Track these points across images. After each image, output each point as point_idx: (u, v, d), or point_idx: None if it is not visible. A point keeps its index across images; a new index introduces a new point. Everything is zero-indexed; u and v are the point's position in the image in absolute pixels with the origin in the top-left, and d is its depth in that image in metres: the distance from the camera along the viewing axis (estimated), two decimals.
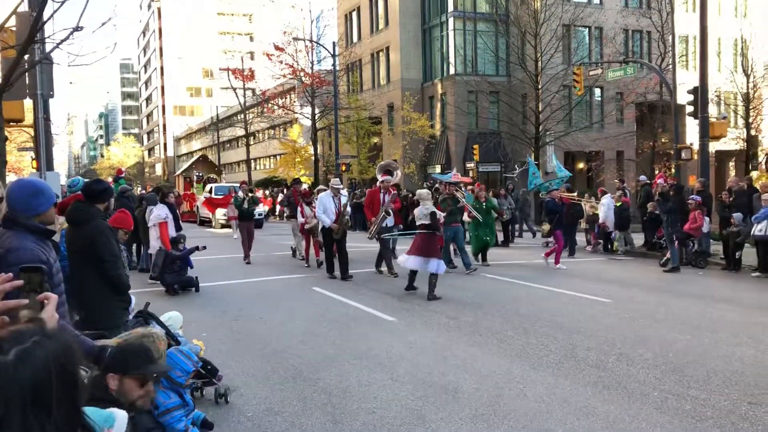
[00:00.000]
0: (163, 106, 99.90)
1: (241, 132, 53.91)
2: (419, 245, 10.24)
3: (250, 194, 15.80)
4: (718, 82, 35.44)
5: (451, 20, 39.07)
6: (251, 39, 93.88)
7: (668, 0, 30.50)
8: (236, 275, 13.01)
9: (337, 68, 37.73)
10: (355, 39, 46.93)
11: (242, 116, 50.25)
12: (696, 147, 19.83)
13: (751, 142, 33.75)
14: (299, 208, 14.35)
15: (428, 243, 10.25)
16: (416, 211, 10.68)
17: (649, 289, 11.65)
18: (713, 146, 26.46)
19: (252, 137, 57.18)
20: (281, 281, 12.38)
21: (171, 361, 4.47)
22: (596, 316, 8.99)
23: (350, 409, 5.35)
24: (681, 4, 35.68)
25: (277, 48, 39.08)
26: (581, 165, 38.44)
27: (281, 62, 39.19)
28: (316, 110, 40.32)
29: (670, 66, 27.63)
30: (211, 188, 30.34)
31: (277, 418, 5.19)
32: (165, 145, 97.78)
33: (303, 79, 39.94)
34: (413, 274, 10.65)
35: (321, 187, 17.32)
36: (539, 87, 32.37)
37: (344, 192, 13.12)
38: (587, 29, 37.67)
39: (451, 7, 39.07)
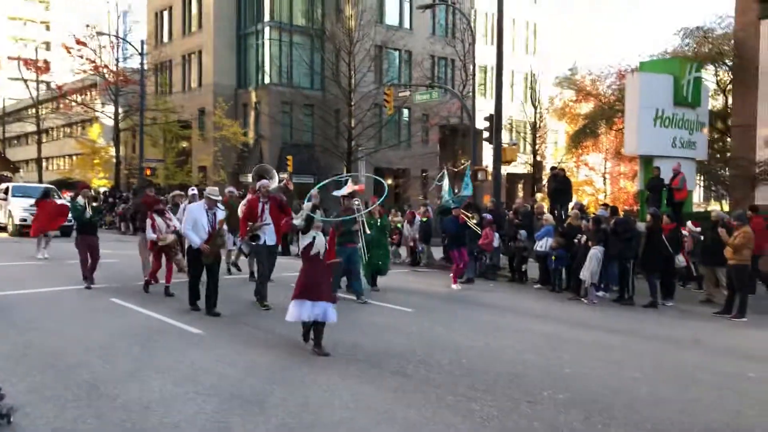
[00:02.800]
0: None
1: (32, 128, 49.14)
2: (305, 283, 7.48)
3: (94, 202, 13.03)
4: (511, 111, 38.99)
5: (267, 29, 38.96)
6: (48, 28, 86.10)
7: (470, 31, 32.97)
8: (27, 284, 11.85)
9: (145, 68, 35.93)
10: (165, 39, 45.01)
11: (34, 111, 45.86)
12: (491, 169, 21.62)
13: (537, 166, 37.47)
14: (149, 220, 11.54)
15: (316, 277, 7.52)
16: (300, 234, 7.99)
17: (447, 299, 12.48)
18: (505, 169, 28.95)
19: (45, 134, 52.43)
20: (78, 292, 11.48)
21: None
22: (398, 325, 9.45)
23: (151, 425, 5.14)
24: (481, 37, 38.77)
25: (78, 41, 36.31)
26: (389, 181, 40.11)
27: (82, 56, 36.48)
28: (120, 110, 38.01)
29: (471, 93, 29.88)
30: (7, 188, 25.09)
31: None
32: None
33: (106, 76, 37.49)
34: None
35: (176, 192, 14.65)
36: (352, 104, 33.34)
37: (221, 206, 10.03)
38: (398, 52, 39.52)
39: (267, 17, 38.97)
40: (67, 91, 40.59)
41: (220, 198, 9.95)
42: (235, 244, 13.62)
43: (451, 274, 14.00)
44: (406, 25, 40.47)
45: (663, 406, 6.10)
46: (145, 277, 11.72)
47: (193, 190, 13.97)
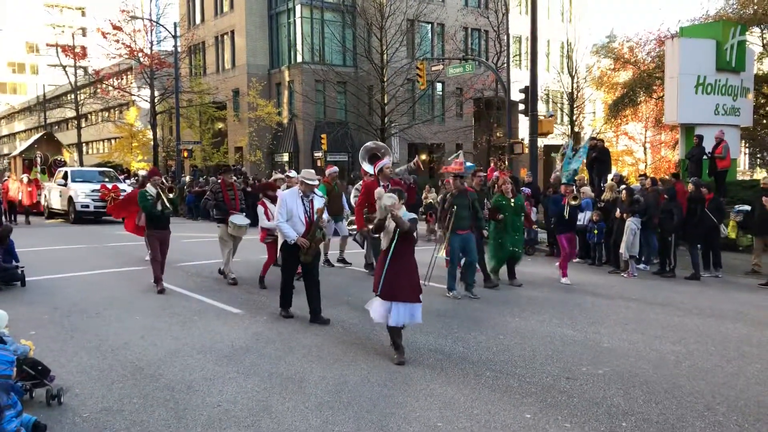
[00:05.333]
0: None
1: (71, 113, 50.10)
2: (391, 277, 6.32)
3: (170, 193, 10.28)
4: (547, 82, 38.29)
5: (298, 7, 38.86)
6: (83, 14, 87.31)
7: (503, 1, 32.38)
8: (68, 268, 12.16)
9: (179, 50, 36.23)
10: (198, 20, 45.28)
11: (73, 96, 46.71)
12: (527, 142, 21.33)
13: (575, 138, 36.81)
14: (263, 209, 10.23)
15: (403, 271, 6.39)
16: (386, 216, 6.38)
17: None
18: (542, 141, 28.56)
19: (84, 119, 53.43)
20: (118, 274, 11.75)
21: None
22: (434, 304, 9.43)
23: (194, 404, 5.26)
24: (515, 6, 38.02)
25: (113, 27, 36.73)
26: (424, 156, 39.92)
27: (117, 41, 36.91)
28: (156, 93, 38.47)
29: (505, 64, 29.43)
30: (66, 173, 24.17)
31: (116, 417, 4.99)
32: None
33: (141, 59, 37.91)
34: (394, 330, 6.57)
35: (278, 176, 12.63)
36: (385, 79, 33.14)
37: (318, 192, 8.61)
38: (430, 25, 39.06)
39: None
40: (104, 76, 41.17)
41: (317, 182, 8.30)
42: (337, 233, 12.36)
43: (558, 264, 11.88)
44: None
45: (705, 380, 5.99)
46: (227, 273, 10.69)
47: (291, 172, 12.22)
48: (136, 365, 6.25)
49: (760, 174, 30.36)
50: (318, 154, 35.01)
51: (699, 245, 12.40)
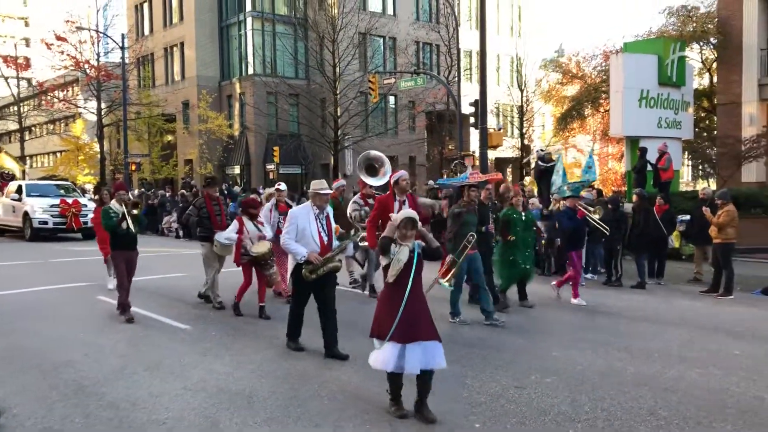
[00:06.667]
0: None
1: (14, 126, 48.65)
2: (408, 317, 5.13)
3: (135, 209, 9.10)
4: (498, 95, 38.92)
5: (249, 20, 38.70)
6: (26, 24, 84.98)
7: (454, 16, 32.84)
8: (7, 285, 11.75)
9: (127, 62, 35.63)
10: (146, 32, 44.62)
11: (15, 108, 45.37)
12: (478, 155, 21.60)
13: (525, 150, 37.48)
14: (237, 225, 9.12)
15: (420, 304, 5.28)
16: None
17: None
18: (493, 154, 28.99)
19: (27, 132, 51.92)
20: (61, 291, 11.41)
21: None
22: None
23: (139, 422, 5.13)
24: (466, 21, 38.65)
25: (58, 37, 35.88)
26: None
27: (62, 52, 36.07)
28: (103, 105, 37.69)
29: (456, 78, 29.82)
30: (20, 187, 22.37)
31: None
32: None
33: (88, 71, 37.12)
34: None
35: (269, 190, 11.16)
36: (337, 92, 33.18)
37: (350, 205, 8.11)
38: (382, 39, 39.34)
39: (249, 7, 38.71)
40: (48, 88, 40.17)
41: (328, 191, 7.12)
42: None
43: (559, 282, 11.06)
44: (390, 11, 40.28)
45: (649, 385, 6.13)
46: (218, 302, 9.72)
47: (280, 185, 10.88)
48: (79, 384, 6.07)
49: (701, 185, 31.41)
50: (270, 167, 34.78)
51: (646, 255, 12.73)
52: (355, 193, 12.53)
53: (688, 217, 14.29)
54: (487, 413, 5.37)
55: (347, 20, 33.17)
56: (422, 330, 5.16)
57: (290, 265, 7.23)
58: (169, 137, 42.11)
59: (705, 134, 28.91)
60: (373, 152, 10.03)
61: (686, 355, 7.35)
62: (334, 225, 7.15)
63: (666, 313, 9.90)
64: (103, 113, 37.78)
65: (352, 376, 6.32)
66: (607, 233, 11.72)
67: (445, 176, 22.46)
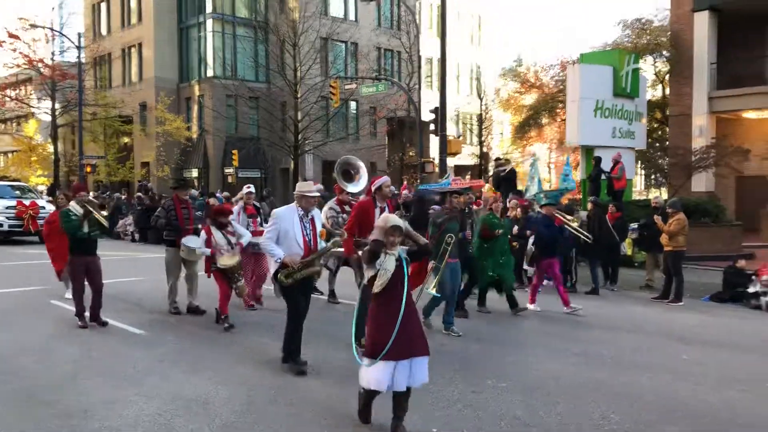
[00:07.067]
0: None
1: None
2: (404, 332, 4.83)
3: (103, 210, 8.83)
4: (458, 103, 39.34)
5: (209, 22, 38.33)
6: None
7: (415, 24, 33.09)
8: None
9: (83, 61, 34.90)
10: (104, 32, 43.79)
11: None
12: (437, 161, 21.79)
13: (484, 157, 37.97)
14: (206, 236, 8.78)
15: (414, 317, 5.07)
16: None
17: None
18: (452, 161, 29.24)
19: None
20: (13, 295, 11.11)
21: None
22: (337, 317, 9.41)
23: (91, 430, 5.04)
24: (426, 29, 38.96)
25: (9, 35, 34.92)
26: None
27: (15, 50, 35.12)
28: (58, 105, 36.80)
29: (417, 85, 30.03)
30: None
31: None
32: None
33: (41, 70, 36.21)
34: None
35: (242, 193, 10.71)
36: (298, 96, 33.07)
37: (324, 211, 7.79)
38: (344, 44, 39.36)
39: (209, 9, 38.34)
40: None
41: (316, 193, 6.82)
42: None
43: (530, 291, 10.99)
44: (351, 17, 40.33)
45: (601, 390, 6.28)
46: (174, 307, 9.52)
47: (249, 187, 10.63)
48: (28, 391, 5.92)
49: (653, 194, 32.23)
50: (229, 170, 34.46)
51: (599, 261, 13.01)
52: (324, 198, 12.06)
53: (638, 224, 14.69)
54: (444, 418, 5.43)
55: (308, 24, 33.12)
56: (417, 345, 4.92)
57: (271, 269, 6.78)
58: (126, 139, 41.36)
59: (657, 144, 29.72)
60: (350, 158, 9.68)
61: (638, 360, 7.54)
62: (319, 228, 6.82)
63: (619, 319, 10.14)
64: (57, 113, 36.87)
65: (310, 382, 6.31)
66: (590, 240, 11.86)
67: (405, 182, 22.61)
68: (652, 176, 33.21)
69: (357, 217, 7.85)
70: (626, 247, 15.18)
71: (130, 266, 15.11)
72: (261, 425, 5.18)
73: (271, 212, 6.92)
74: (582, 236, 11.67)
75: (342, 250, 7.76)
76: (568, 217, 11.60)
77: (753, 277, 11.73)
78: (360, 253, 6.25)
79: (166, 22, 39.99)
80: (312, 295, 7.22)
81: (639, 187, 41.67)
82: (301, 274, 6.45)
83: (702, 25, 25.33)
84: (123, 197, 26.32)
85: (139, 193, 25.12)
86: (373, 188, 7.94)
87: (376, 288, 4.88)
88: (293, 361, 6.64)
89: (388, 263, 4.88)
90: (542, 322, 9.74)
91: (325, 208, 10.18)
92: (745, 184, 25.48)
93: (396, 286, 4.88)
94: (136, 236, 22.47)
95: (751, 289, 11.60)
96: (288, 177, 34.04)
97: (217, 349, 7.58)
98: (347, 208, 9.87)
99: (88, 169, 33.48)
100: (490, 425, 5.30)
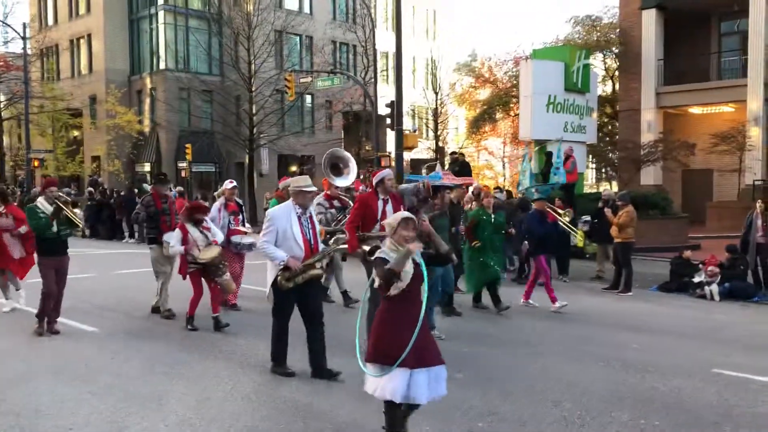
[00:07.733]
0: None
1: None
2: (420, 338, 4.45)
3: (75, 207, 8.57)
4: (414, 98, 39.47)
5: (161, 13, 37.60)
6: None
7: (370, 17, 33.05)
8: None
9: (29, 52, 33.84)
10: (51, 22, 42.50)
11: None
12: (394, 156, 21.86)
13: (440, 152, 38.18)
14: (181, 234, 8.27)
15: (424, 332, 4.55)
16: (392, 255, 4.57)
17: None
18: (408, 155, 29.38)
19: None
20: None
21: None
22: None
23: (43, 429, 4.95)
24: (382, 23, 38.94)
25: None
26: (293, 168, 39.74)
27: None
28: (2, 97, 35.64)
29: (373, 79, 30.03)
30: None
31: None
32: None
33: None
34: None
35: (224, 188, 10.05)
36: (253, 90, 32.70)
37: (313, 207, 7.11)
38: (299, 37, 39.05)
39: (161, 0, 37.57)
40: None
41: (312, 188, 6.36)
42: None
43: (526, 289, 10.77)
44: (306, 10, 40.06)
45: (555, 378, 6.43)
46: (166, 310, 8.95)
47: (232, 182, 10.13)
48: None
49: (603, 187, 32.94)
50: (182, 164, 33.88)
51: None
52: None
53: (589, 217, 15.00)
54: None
55: (263, 17, 32.69)
56: (431, 353, 4.56)
57: (270, 274, 6.24)
58: (75, 133, 40.30)
59: (608, 139, 30.36)
60: (338, 150, 9.43)
61: (589, 349, 7.74)
62: (318, 227, 6.47)
63: (570, 309, 10.36)
64: (2, 106, 35.72)
65: (266, 377, 6.30)
66: (579, 237, 11.77)
67: (362, 176, 22.61)
68: (603, 170, 34.00)
69: (360, 210, 7.64)
70: (577, 239, 15.48)
71: (79, 262, 14.67)
72: (218, 421, 5.16)
73: (266, 214, 6.54)
74: (573, 231, 11.37)
75: (346, 247, 7.61)
76: (560, 212, 11.40)
77: (700, 266, 12.12)
78: (365, 247, 6.36)
79: (117, 13, 39.06)
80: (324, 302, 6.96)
81: (590, 181, 42.56)
82: (302, 278, 6.12)
83: (649, 22, 26.00)
84: (73, 192, 25.68)
85: (90, 188, 24.54)
86: (374, 181, 7.81)
87: (393, 290, 4.50)
88: (279, 365, 6.37)
89: (398, 261, 4.45)
90: (495, 314, 9.86)
91: (314, 204, 9.96)
92: (691, 177, 26.29)
93: (413, 289, 4.53)
94: (87, 232, 21.97)
95: (696, 279, 11.99)
96: (243, 171, 33.66)
97: (172, 345, 7.50)
98: (336, 203, 9.69)
99: (36, 164, 32.55)
100: (445, 415, 5.37)
